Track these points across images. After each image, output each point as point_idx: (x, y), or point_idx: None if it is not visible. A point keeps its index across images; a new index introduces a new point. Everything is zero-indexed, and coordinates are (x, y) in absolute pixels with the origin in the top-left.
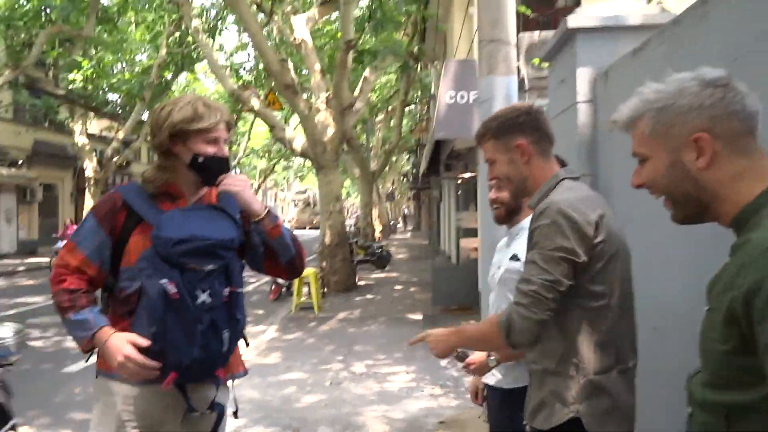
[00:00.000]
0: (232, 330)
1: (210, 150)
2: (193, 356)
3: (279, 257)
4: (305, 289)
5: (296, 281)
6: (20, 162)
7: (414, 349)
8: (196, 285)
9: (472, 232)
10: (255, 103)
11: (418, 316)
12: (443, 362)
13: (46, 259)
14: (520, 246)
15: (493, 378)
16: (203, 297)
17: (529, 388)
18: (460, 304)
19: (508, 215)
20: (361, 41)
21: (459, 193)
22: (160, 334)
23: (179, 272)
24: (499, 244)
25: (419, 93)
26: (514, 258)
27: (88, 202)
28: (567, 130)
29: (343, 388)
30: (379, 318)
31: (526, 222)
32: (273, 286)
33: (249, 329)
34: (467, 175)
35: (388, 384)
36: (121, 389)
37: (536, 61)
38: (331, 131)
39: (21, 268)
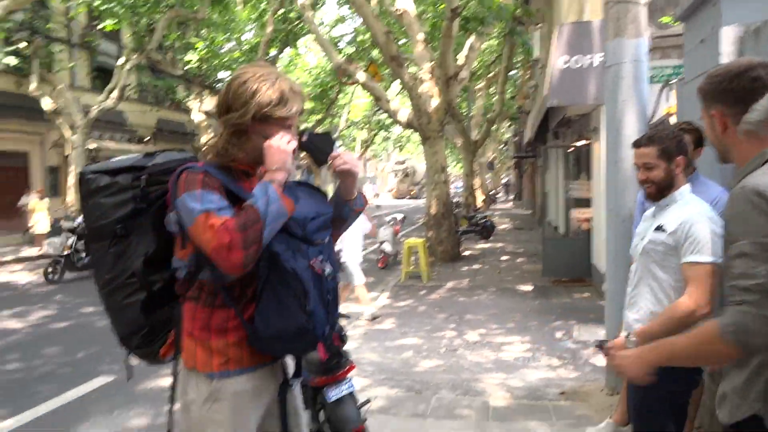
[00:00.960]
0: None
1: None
2: (329, 326)
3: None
4: (413, 258)
5: (405, 250)
6: (147, 139)
7: (527, 319)
8: (322, 258)
9: (584, 203)
10: (361, 76)
11: (528, 287)
12: (558, 334)
13: None
14: (667, 217)
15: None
16: (328, 269)
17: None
18: (572, 277)
19: (659, 192)
20: (468, 9)
21: (569, 161)
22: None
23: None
24: (646, 213)
25: (521, 57)
26: (659, 229)
27: None
28: None
29: (458, 354)
30: (488, 288)
31: (678, 194)
32: (381, 255)
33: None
34: (581, 143)
35: (503, 353)
36: (240, 381)
37: (667, 19)
38: (435, 102)
39: None
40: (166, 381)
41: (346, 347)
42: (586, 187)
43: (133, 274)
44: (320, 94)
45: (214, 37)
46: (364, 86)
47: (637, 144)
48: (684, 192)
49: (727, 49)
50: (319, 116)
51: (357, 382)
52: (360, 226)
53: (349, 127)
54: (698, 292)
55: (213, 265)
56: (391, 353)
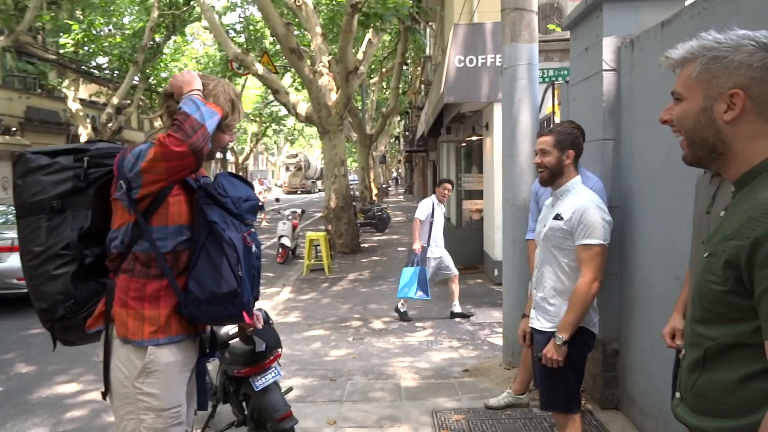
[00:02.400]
0: None
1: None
2: (252, 297)
3: None
4: (314, 252)
5: (307, 244)
6: (13, 129)
7: (428, 306)
8: (251, 237)
9: (475, 194)
10: (258, 67)
11: None
12: (457, 318)
13: None
14: (563, 206)
15: (539, 323)
16: (254, 248)
17: None
18: (466, 264)
19: (550, 177)
20: (367, 6)
21: (461, 155)
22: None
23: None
24: (546, 202)
25: (413, 53)
26: (558, 217)
27: None
28: (590, 96)
29: (366, 342)
30: (389, 278)
31: (571, 185)
32: (280, 250)
33: (263, 291)
34: (474, 138)
35: (408, 338)
36: (168, 350)
37: (553, 26)
38: (335, 95)
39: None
40: (62, 388)
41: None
42: (478, 180)
43: (66, 246)
44: None
45: (92, 20)
46: (261, 78)
47: (539, 133)
48: (576, 183)
49: (608, 57)
50: None
51: None
52: (441, 221)
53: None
54: (591, 269)
55: (149, 235)
56: (300, 345)
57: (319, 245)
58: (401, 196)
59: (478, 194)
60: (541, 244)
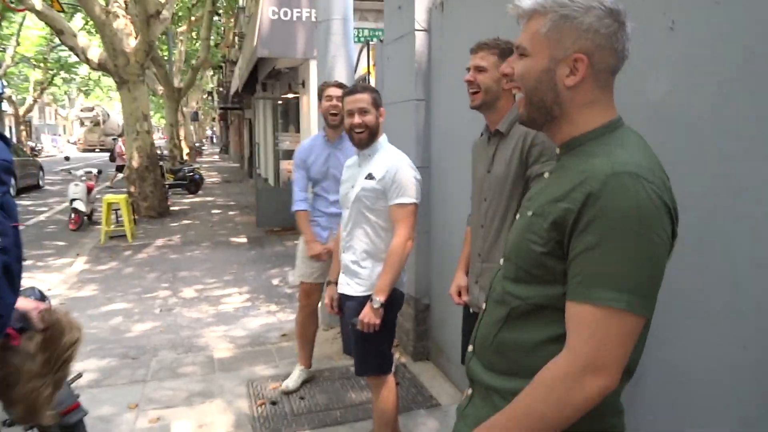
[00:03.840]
0: None
1: None
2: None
3: None
4: (114, 217)
5: (104, 208)
6: None
7: (244, 270)
8: None
9: (290, 154)
10: (36, 2)
11: (243, 239)
12: (275, 281)
13: None
14: (374, 166)
15: (350, 288)
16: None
17: None
18: (284, 226)
19: (370, 138)
20: None
21: (278, 114)
22: None
23: None
24: (349, 162)
25: (225, 3)
26: (370, 177)
27: None
28: (403, 57)
29: (176, 313)
30: (202, 243)
31: (379, 144)
32: (73, 215)
33: (52, 262)
34: (290, 96)
35: (222, 306)
36: None
37: None
38: (134, 42)
39: None
40: None
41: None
42: (296, 139)
43: None
44: None
45: None
46: (40, 15)
47: (352, 91)
48: (384, 142)
49: (420, 17)
50: None
51: None
52: None
53: (17, 63)
54: (406, 228)
55: None
56: (97, 321)
57: (119, 209)
58: (217, 156)
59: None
60: (351, 206)
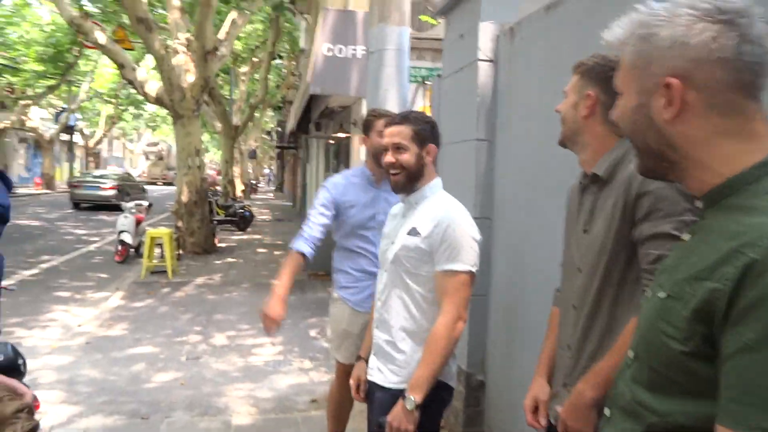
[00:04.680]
0: None
1: None
2: None
3: None
4: (157, 251)
5: (147, 241)
6: None
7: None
8: None
9: None
10: (100, 36)
11: None
12: (312, 332)
13: None
14: (420, 217)
15: (381, 376)
16: None
17: None
18: (327, 270)
19: (408, 182)
20: None
21: (330, 153)
22: None
23: None
24: (392, 210)
25: (287, 47)
26: (413, 232)
27: None
28: (463, 90)
29: (202, 363)
30: (242, 284)
31: (429, 189)
32: (119, 247)
33: (90, 295)
34: (341, 135)
35: (252, 358)
36: None
37: (426, 18)
38: (191, 77)
39: None
40: None
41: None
42: None
43: None
44: (54, 56)
45: None
46: (104, 50)
47: (389, 122)
48: (436, 187)
49: (485, 46)
50: (51, 82)
51: (65, 410)
52: None
53: (91, 98)
54: (455, 304)
55: None
56: (118, 367)
57: (162, 244)
58: (272, 194)
59: None
60: (388, 267)
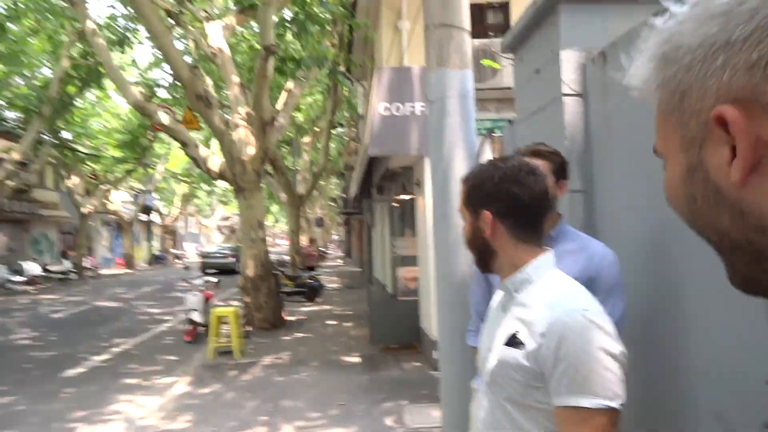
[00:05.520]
0: None
1: None
2: None
3: None
4: (226, 329)
5: (213, 321)
6: None
7: (354, 401)
8: None
9: (410, 260)
10: (163, 117)
11: (356, 359)
12: (388, 420)
13: None
14: (522, 317)
15: None
16: None
17: None
18: (402, 343)
19: (481, 262)
20: (284, 50)
21: (394, 217)
22: None
23: None
24: (494, 299)
25: (346, 114)
26: (513, 342)
27: None
28: (545, 133)
29: None
30: (311, 362)
31: (532, 271)
32: (189, 326)
33: (156, 381)
34: (404, 197)
35: None
36: None
37: (488, 62)
38: (251, 149)
39: None
40: None
41: None
42: (412, 244)
43: None
44: (131, 142)
45: None
46: (168, 130)
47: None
48: (542, 266)
49: (569, 77)
50: (129, 166)
51: None
52: None
53: (166, 179)
54: None
55: None
56: None
57: (228, 323)
58: (340, 261)
59: (414, 260)
60: (483, 388)
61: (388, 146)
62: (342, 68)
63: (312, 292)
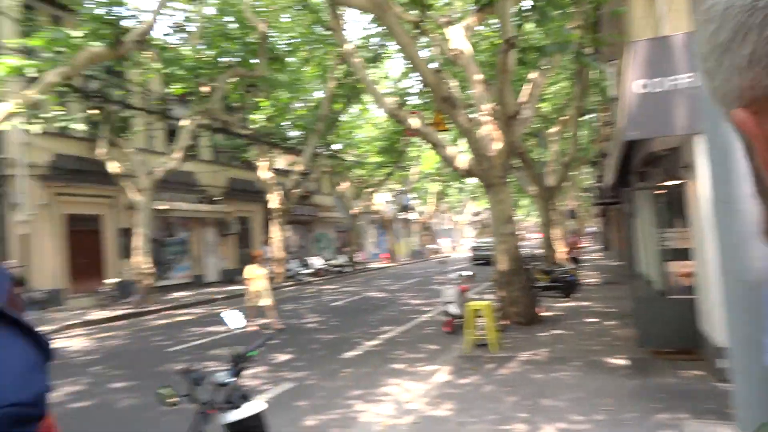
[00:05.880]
0: None
1: None
2: None
3: None
4: (480, 323)
5: (468, 314)
6: (216, 198)
7: (622, 407)
8: None
9: (682, 253)
10: (413, 121)
11: (622, 361)
12: None
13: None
14: None
15: None
16: None
17: None
18: (676, 347)
19: None
20: (525, 41)
21: (659, 205)
22: None
23: None
24: None
25: (597, 99)
26: None
27: (275, 233)
28: None
29: None
30: (572, 361)
31: None
32: (446, 317)
33: (420, 369)
34: (670, 183)
35: None
36: None
37: None
38: (497, 145)
39: (220, 296)
40: None
41: None
42: (683, 236)
43: None
44: (388, 147)
45: (277, 96)
46: (418, 132)
47: None
48: None
49: None
50: (388, 170)
51: None
52: None
53: (420, 179)
54: None
55: None
56: None
57: (483, 316)
58: (598, 254)
59: (686, 253)
60: None
61: (649, 127)
62: (589, 50)
63: (568, 287)
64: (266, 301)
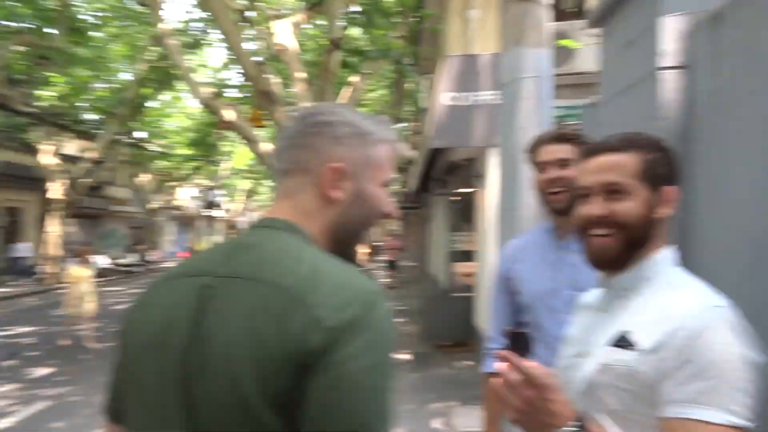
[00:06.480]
0: None
1: None
2: None
3: None
4: None
5: None
6: None
7: (403, 401)
8: None
9: (466, 255)
10: (228, 114)
11: (408, 356)
12: (435, 423)
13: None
14: (638, 315)
15: None
16: None
17: None
18: (455, 340)
19: (625, 252)
20: (350, 42)
21: (453, 211)
22: None
23: None
24: (586, 297)
25: (409, 109)
26: (624, 342)
27: (53, 227)
28: (635, 115)
29: None
30: None
31: (656, 264)
32: None
33: None
34: (464, 190)
35: None
36: None
37: (565, 42)
38: None
39: None
40: None
41: None
42: (470, 239)
43: None
44: (199, 139)
45: (74, 73)
46: (233, 126)
47: (598, 149)
48: (665, 262)
49: (671, 46)
50: (197, 164)
51: None
52: None
53: (231, 176)
54: None
55: None
56: None
57: None
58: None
59: (470, 255)
60: (579, 397)
61: (452, 137)
62: (408, 61)
63: None
64: (90, 307)
